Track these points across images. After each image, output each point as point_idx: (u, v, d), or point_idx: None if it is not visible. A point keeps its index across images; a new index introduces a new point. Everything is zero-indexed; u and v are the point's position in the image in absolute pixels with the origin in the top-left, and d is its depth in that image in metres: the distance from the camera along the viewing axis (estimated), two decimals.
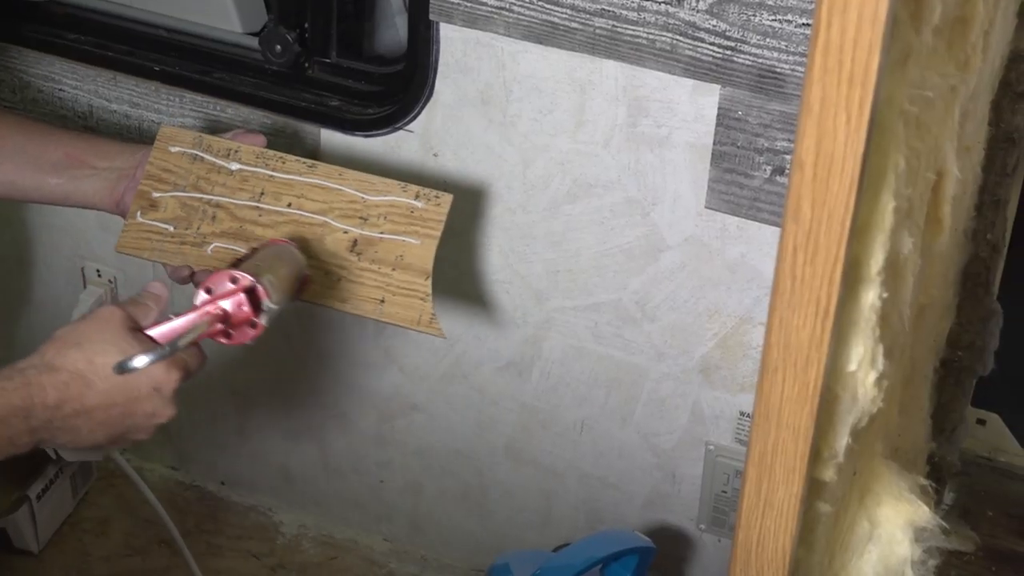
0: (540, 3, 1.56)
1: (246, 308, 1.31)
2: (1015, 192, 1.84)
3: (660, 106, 1.56)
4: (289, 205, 1.52)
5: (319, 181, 1.51)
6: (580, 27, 1.55)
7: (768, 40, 1.47)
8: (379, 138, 1.72)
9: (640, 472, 1.82)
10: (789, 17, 1.45)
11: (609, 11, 1.53)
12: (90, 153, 1.57)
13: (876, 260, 0.96)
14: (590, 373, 1.77)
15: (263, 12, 1.78)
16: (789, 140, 1.49)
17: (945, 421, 1.93)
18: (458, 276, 1.77)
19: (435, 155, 1.70)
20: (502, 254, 1.73)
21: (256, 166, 1.53)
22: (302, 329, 1.93)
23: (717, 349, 1.68)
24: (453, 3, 1.60)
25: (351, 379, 1.94)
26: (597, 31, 1.54)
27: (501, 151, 1.66)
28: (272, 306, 1.33)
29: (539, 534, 1.93)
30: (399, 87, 1.70)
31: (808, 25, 1.42)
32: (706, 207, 1.59)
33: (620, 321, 1.71)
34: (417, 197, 1.50)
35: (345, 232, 1.50)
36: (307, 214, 1.51)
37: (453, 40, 1.62)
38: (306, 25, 1.73)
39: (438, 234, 1.48)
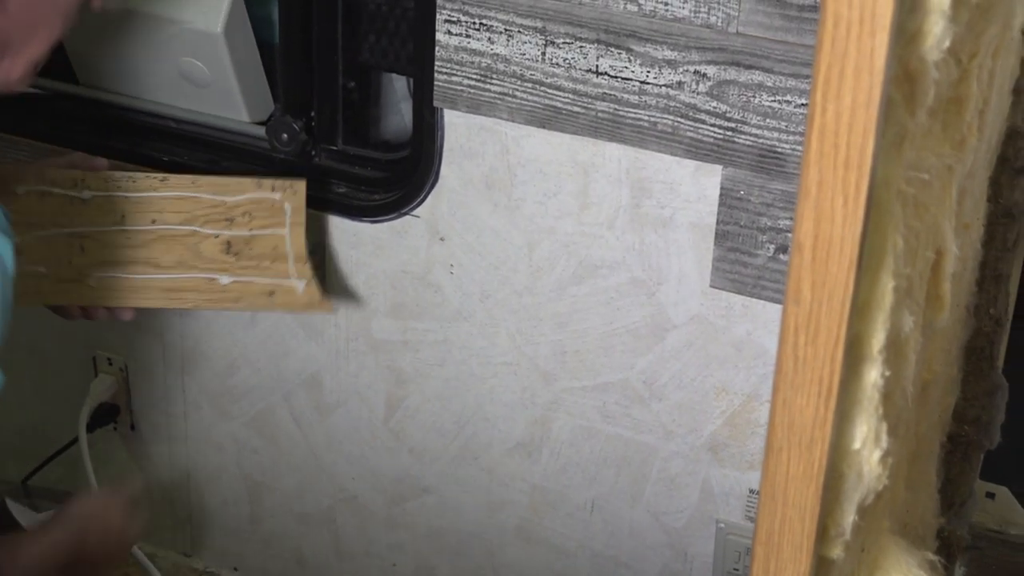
0: (542, 88, 1.58)
1: None
2: (1016, 266, 1.85)
3: (663, 187, 1.58)
4: (153, 222, 1.52)
5: (175, 193, 1.52)
6: (582, 111, 1.57)
7: (768, 120, 1.49)
8: (386, 223, 1.74)
9: (651, 551, 1.82)
10: (788, 98, 1.47)
11: (611, 95, 1.55)
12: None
13: (877, 339, 0.97)
14: (599, 453, 1.78)
15: (270, 102, 1.80)
16: (791, 218, 1.51)
17: (954, 495, 1.93)
18: (466, 358, 1.78)
19: (442, 239, 1.72)
20: (509, 336, 1.74)
21: (109, 190, 1.53)
22: (311, 412, 1.93)
23: (725, 427, 1.68)
24: (457, 89, 1.62)
25: (361, 462, 1.94)
26: (599, 114, 1.56)
27: (507, 234, 1.68)
28: None
29: None
30: (405, 173, 1.72)
31: (807, 105, 1.44)
32: (711, 286, 1.60)
33: (628, 400, 1.72)
34: (274, 190, 1.52)
35: (216, 236, 1.51)
36: (173, 227, 1.52)
37: (457, 126, 1.64)
38: (312, 114, 1.76)
39: (303, 219, 1.51)
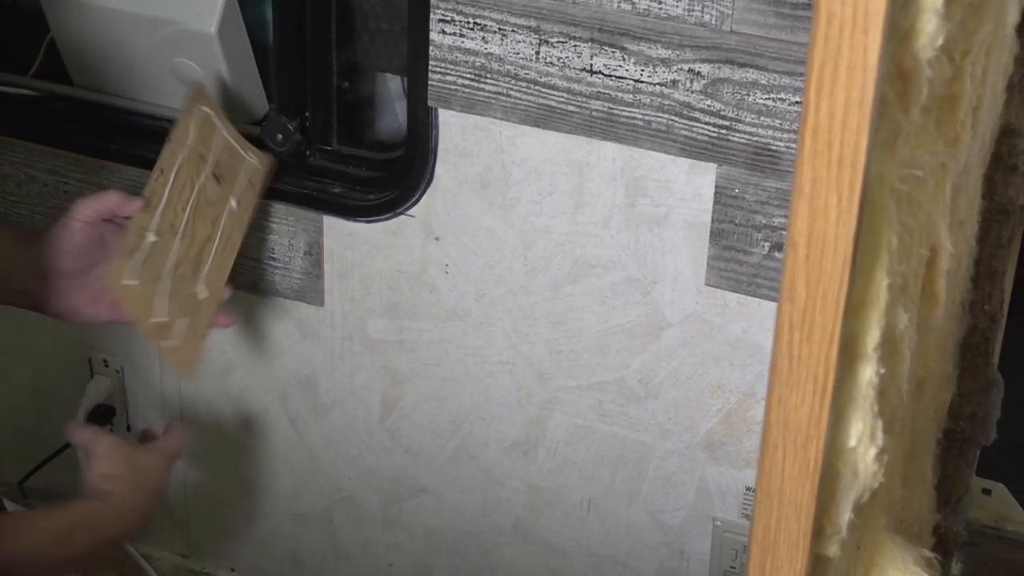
0: (537, 87, 1.58)
1: None
2: (1011, 263, 1.85)
3: (658, 186, 1.58)
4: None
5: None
6: (577, 110, 1.57)
7: (762, 118, 1.49)
8: (381, 223, 1.74)
9: (648, 550, 1.82)
10: (782, 96, 1.47)
11: (605, 94, 1.55)
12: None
13: (872, 337, 0.97)
14: (595, 451, 1.78)
15: (264, 102, 1.80)
16: (786, 216, 1.51)
17: (950, 492, 1.93)
18: (461, 357, 1.78)
19: (437, 239, 1.72)
20: (505, 335, 1.75)
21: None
22: (307, 413, 1.93)
23: (721, 425, 1.69)
24: (451, 89, 1.62)
25: (357, 462, 1.94)
26: (593, 113, 1.57)
27: (502, 234, 1.68)
28: None
29: None
30: (400, 173, 1.72)
31: (801, 103, 1.44)
32: (706, 284, 1.60)
33: (624, 399, 1.72)
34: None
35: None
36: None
37: (452, 125, 1.64)
38: (307, 114, 1.76)
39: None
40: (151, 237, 1.62)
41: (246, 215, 1.73)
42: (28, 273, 1.62)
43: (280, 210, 1.78)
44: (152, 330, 1.63)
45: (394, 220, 1.73)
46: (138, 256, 1.60)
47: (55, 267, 1.62)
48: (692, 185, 1.56)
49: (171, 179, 1.64)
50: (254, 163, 1.73)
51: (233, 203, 1.70)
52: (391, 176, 1.74)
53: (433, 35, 1.60)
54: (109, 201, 1.61)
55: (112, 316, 1.67)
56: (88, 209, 1.61)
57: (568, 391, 1.75)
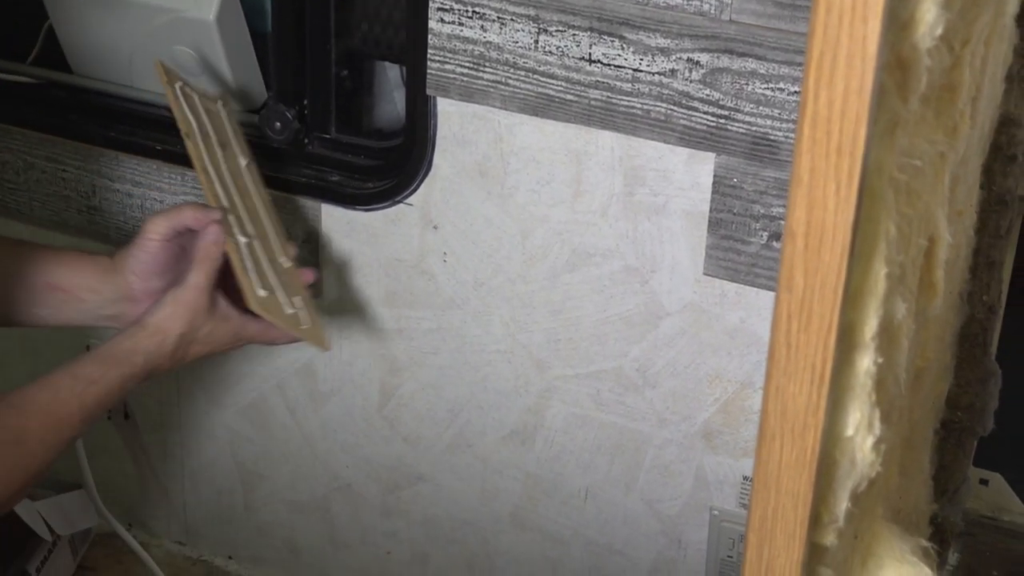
0: (535, 76, 1.58)
1: None
2: (1009, 253, 1.85)
3: (656, 175, 1.58)
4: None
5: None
6: (575, 99, 1.57)
7: (761, 108, 1.49)
8: (379, 212, 1.74)
9: (645, 538, 1.82)
10: (781, 85, 1.47)
11: (603, 83, 1.55)
12: (73, 284, 1.59)
13: (870, 326, 0.97)
14: (593, 440, 1.78)
15: (262, 90, 1.80)
16: (784, 206, 1.51)
17: (947, 482, 1.93)
18: (460, 346, 1.78)
19: (435, 227, 1.72)
20: (503, 324, 1.75)
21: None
22: (305, 401, 1.94)
23: (719, 414, 1.69)
24: (449, 78, 1.62)
25: (355, 450, 1.94)
26: (592, 103, 1.56)
27: (500, 222, 1.68)
28: None
29: None
30: (398, 161, 1.72)
31: (800, 93, 1.44)
32: (704, 274, 1.60)
33: (622, 388, 1.72)
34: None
35: None
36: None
37: (450, 114, 1.64)
38: (305, 102, 1.76)
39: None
40: (243, 240, 1.60)
41: (253, 162, 1.72)
42: (118, 299, 1.60)
43: (279, 198, 1.78)
44: (291, 327, 1.60)
45: (392, 208, 1.73)
46: (249, 266, 1.58)
47: (142, 288, 1.60)
48: (691, 174, 1.56)
49: (212, 174, 1.62)
50: (221, 109, 1.72)
51: (242, 161, 1.70)
52: (389, 164, 1.74)
53: (432, 23, 1.60)
54: (185, 218, 1.58)
55: None
56: (164, 228, 1.58)
57: (566, 380, 1.75)
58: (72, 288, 1.59)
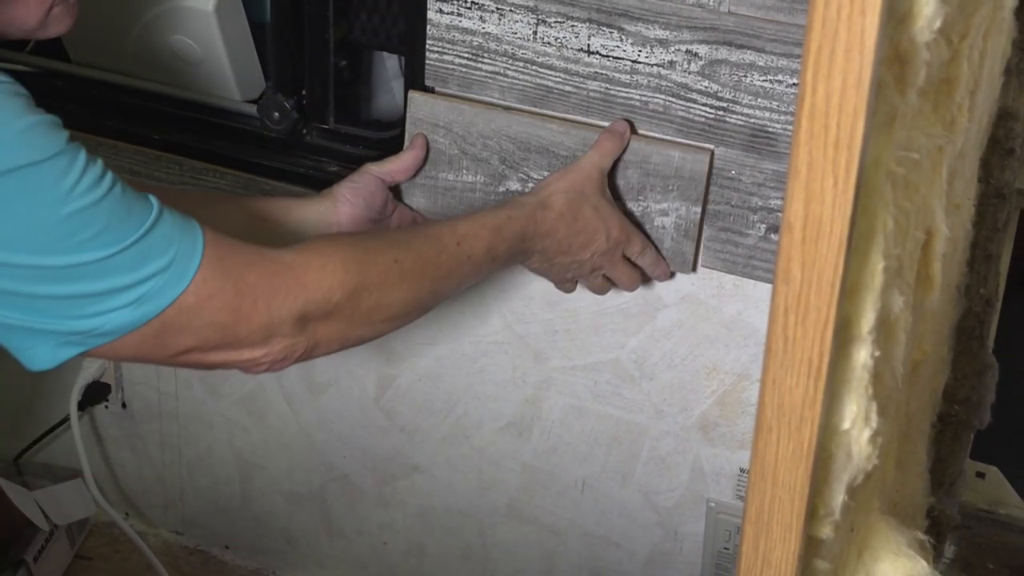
0: (534, 67, 1.58)
1: None
2: (1007, 247, 1.85)
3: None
4: None
5: None
6: (574, 90, 1.57)
7: (760, 100, 1.49)
8: None
9: (641, 530, 1.82)
10: (780, 77, 1.47)
11: (602, 74, 1.55)
12: (274, 210, 1.57)
13: (867, 319, 0.97)
14: (590, 432, 1.78)
15: (261, 80, 1.80)
16: (782, 198, 1.51)
17: (944, 475, 1.93)
18: (457, 337, 1.78)
19: None
20: (501, 315, 1.75)
21: None
22: (302, 391, 1.94)
23: (716, 406, 1.69)
24: (448, 68, 1.62)
25: (352, 441, 1.94)
26: (591, 94, 1.56)
27: None
28: None
29: None
30: (396, 151, 1.71)
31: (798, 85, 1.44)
32: (702, 266, 1.60)
33: (619, 380, 1.72)
34: None
35: None
36: None
37: None
38: (304, 92, 1.76)
39: None
40: None
41: None
42: (319, 224, 1.58)
43: (276, 188, 1.78)
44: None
45: None
46: None
47: (348, 213, 1.58)
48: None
49: None
50: None
51: None
52: (387, 155, 1.73)
53: (431, 14, 1.60)
54: (396, 173, 1.65)
55: None
56: (380, 169, 1.62)
57: (563, 371, 1.75)
58: (275, 215, 1.57)
